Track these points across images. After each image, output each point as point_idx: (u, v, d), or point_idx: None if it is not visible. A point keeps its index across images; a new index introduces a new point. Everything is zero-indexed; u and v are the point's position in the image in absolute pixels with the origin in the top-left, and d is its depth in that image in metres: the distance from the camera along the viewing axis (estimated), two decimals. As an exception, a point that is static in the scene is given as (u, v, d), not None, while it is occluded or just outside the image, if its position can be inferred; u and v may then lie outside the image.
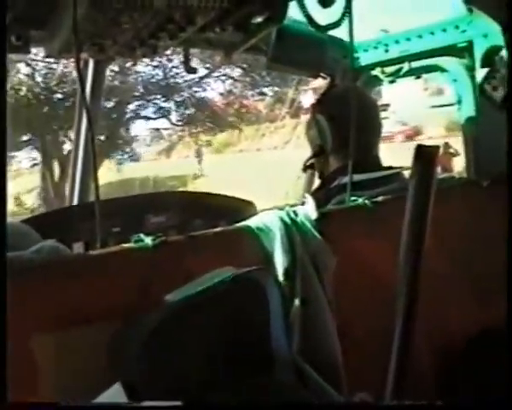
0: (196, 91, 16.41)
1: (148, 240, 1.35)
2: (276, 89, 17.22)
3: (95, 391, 1.12)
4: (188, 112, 16.45)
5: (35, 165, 15.46)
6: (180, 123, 17.14)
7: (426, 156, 1.17)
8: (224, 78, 16.67)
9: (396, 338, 1.18)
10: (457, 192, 1.94)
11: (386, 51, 2.41)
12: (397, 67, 2.41)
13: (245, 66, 15.87)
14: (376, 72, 2.47)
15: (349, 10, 1.59)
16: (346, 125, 1.72)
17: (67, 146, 15.24)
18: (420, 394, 1.36)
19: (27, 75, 13.83)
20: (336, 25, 1.66)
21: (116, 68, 14.37)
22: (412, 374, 1.19)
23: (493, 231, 1.76)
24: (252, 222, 1.52)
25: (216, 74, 16.38)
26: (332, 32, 2.47)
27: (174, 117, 16.81)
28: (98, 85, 2.46)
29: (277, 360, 1.26)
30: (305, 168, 2.26)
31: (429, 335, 1.57)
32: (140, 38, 1.97)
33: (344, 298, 1.52)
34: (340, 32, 2.50)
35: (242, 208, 2.49)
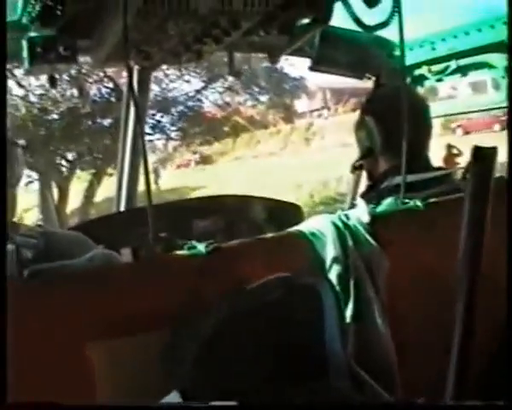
0: (193, 104, 16.41)
1: (202, 247, 1.35)
2: (270, 95, 17.15)
3: (150, 399, 1.13)
4: (184, 125, 16.47)
5: (30, 183, 15.42)
6: (177, 137, 17.18)
7: (485, 157, 1.14)
8: (221, 89, 16.65)
9: (456, 343, 1.16)
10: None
11: (433, 49, 2.37)
12: (444, 65, 2.37)
13: (243, 78, 15.85)
14: (423, 70, 2.43)
15: (398, 9, 1.57)
16: (396, 125, 1.69)
17: (65, 168, 15.28)
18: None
19: (21, 97, 13.87)
20: (385, 25, 1.64)
21: (111, 85, 14.45)
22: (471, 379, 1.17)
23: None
24: (304, 227, 1.51)
25: (213, 86, 16.36)
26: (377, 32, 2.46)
27: (171, 131, 16.84)
28: (143, 93, 2.47)
29: (332, 366, 1.25)
30: (354, 170, 2.23)
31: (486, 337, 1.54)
32: (185, 43, 1.97)
33: (397, 302, 1.49)
34: (385, 31, 2.49)
35: (288, 211, 2.48)
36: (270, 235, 1.49)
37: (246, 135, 19.78)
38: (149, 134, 16.20)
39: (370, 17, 1.68)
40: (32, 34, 1.86)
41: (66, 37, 1.87)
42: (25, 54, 1.86)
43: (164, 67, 14.65)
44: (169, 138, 17.29)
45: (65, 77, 13.75)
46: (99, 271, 1.33)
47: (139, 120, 1.85)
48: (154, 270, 1.34)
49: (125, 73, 2.47)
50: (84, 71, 12.66)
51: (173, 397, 1.11)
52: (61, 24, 1.83)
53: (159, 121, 16.14)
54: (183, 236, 2.34)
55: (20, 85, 13.63)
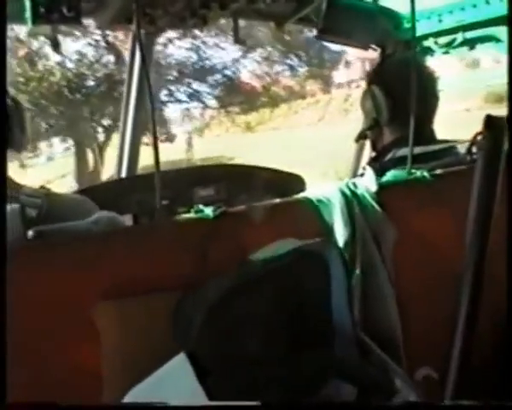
0: (230, 73, 16.30)
1: (209, 211, 1.34)
2: (309, 66, 17.00)
3: (158, 361, 1.12)
4: (221, 94, 16.35)
5: (67, 149, 15.40)
6: (214, 105, 17.07)
7: (496, 126, 1.13)
8: (259, 59, 16.50)
9: (461, 315, 1.16)
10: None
11: (440, 21, 2.35)
12: (451, 37, 2.35)
13: (282, 48, 15.69)
14: (429, 43, 2.41)
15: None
16: (403, 96, 1.68)
17: (100, 135, 15.17)
18: (483, 371, 1.34)
19: (58, 63, 13.76)
20: None
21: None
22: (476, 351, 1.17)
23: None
24: (311, 194, 1.50)
25: (251, 55, 16.23)
26: (383, 2, 2.44)
27: (208, 100, 16.72)
28: (148, 57, 2.44)
29: (339, 333, 1.25)
30: (358, 139, 2.21)
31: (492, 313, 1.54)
32: (191, 7, 1.95)
33: (404, 271, 1.49)
34: (392, 3, 2.46)
35: (290, 182, 2.47)
36: (277, 200, 1.48)
37: (284, 105, 19.62)
38: (185, 102, 16.17)
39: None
40: None
41: None
42: (27, 14, 1.83)
43: (201, 34, 14.64)
44: (206, 107, 17.18)
45: (102, 43, 13.68)
46: (104, 233, 1.32)
47: (147, 81, 1.83)
48: (161, 233, 1.33)
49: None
50: (120, 37, 12.49)
51: (180, 359, 1.10)
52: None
53: (196, 90, 16.04)
54: (184, 204, 2.34)
55: (60, 52, 13.52)
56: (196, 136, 18.30)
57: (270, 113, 19.71)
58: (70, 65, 13.98)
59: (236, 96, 16.40)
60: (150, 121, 1.46)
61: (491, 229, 1.15)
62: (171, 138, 16.63)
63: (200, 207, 1.37)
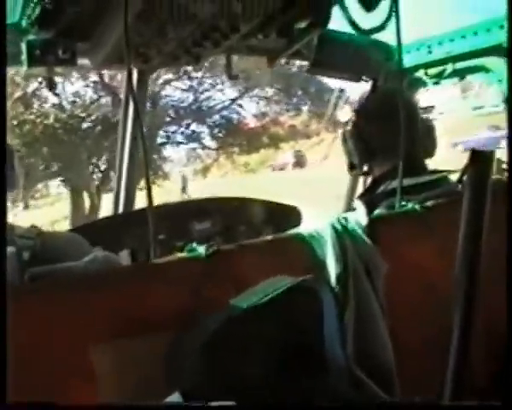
0: (229, 114, 16.26)
1: (202, 249, 1.36)
2: (312, 107, 17.00)
3: (153, 401, 1.14)
4: (221, 135, 16.32)
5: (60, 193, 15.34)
6: (213, 147, 17.01)
7: (482, 161, 1.15)
8: (256, 98, 16.51)
9: (454, 345, 1.17)
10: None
11: (430, 53, 2.39)
12: (440, 68, 2.38)
13: (279, 86, 15.74)
14: (420, 74, 2.44)
15: (396, 11, 1.58)
16: (391, 129, 1.70)
17: (96, 177, 15.11)
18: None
19: (54, 104, 13.74)
20: (381, 28, 1.66)
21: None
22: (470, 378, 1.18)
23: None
24: (303, 229, 1.52)
25: (249, 95, 16.25)
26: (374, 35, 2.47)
27: (207, 141, 16.70)
28: (142, 95, 2.48)
29: (332, 366, 1.26)
30: (351, 170, 2.25)
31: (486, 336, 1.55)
32: (184, 46, 1.99)
33: (396, 303, 1.51)
34: (382, 35, 2.50)
35: (287, 214, 2.49)
36: (269, 237, 1.50)
37: (286, 145, 19.56)
38: (183, 143, 16.12)
39: (368, 20, 1.69)
40: (31, 37, 1.86)
41: (66, 39, 1.88)
42: (23, 56, 1.87)
43: (198, 75, 14.64)
44: (204, 147, 17.13)
45: (99, 85, 13.72)
46: (100, 273, 1.33)
47: (141, 126, 1.86)
48: (154, 272, 1.35)
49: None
50: (118, 77, 12.54)
51: (175, 398, 1.11)
52: (60, 27, 1.84)
53: (193, 131, 16.01)
54: (181, 238, 2.35)
55: (55, 94, 13.59)
56: (197, 177, 18.27)
57: (274, 153, 19.67)
58: (67, 106, 14.00)
59: (236, 137, 16.38)
60: (143, 160, 1.48)
61: (479, 261, 1.16)
62: (167, 178, 16.62)
63: (194, 245, 1.38)
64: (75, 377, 1.21)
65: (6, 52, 1.46)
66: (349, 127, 2.18)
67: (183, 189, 17.21)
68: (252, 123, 17.08)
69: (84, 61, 2.09)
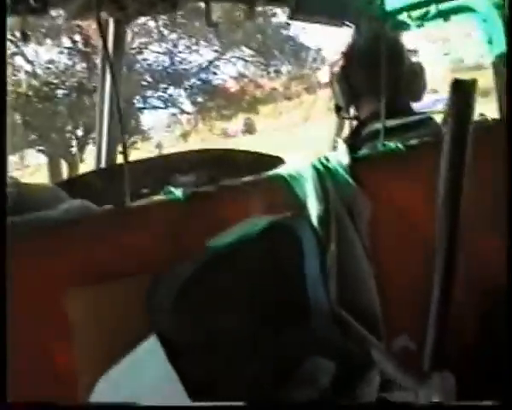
0: (207, 77, 16.00)
1: (179, 192, 1.33)
2: (290, 68, 16.80)
3: (130, 343, 1.12)
4: (199, 99, 16.07)
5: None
6: (192, 111, 16.76)
7: (464, 89, 1.12)
8: (234, 60, 16.26)
9: (436, 286, 1.15)
10: (490, 132, 1.88)
11: None
12: (424, 10, 2.33)
13: (255, 46, 15.51)
14: (403, 16, 2.39)
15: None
16: (376, 71, 1.67)
17: (74, 145, 14.89)
18: (460, 339, 1.34)
19: (28, 72, 13.49)
20: None
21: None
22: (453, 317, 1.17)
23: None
24: (283, 170, 1.49)
25: (226, 57, 15.99)
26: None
27: (185, 105, 16.42)
28: (119, 47, 2.42)
29: (314, 308, 1.24)
30: (337, 111, 2.24)
31: (470, 280, 1.54)
32: (159, -8, 1.93)
33: (380, 244, 1.49)
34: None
35: (271, 164, 2.46)
36: (247, 178, 1.47)
37: (266, 107, 19.33)
38: (161, 108, 15.88)
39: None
40: None
41: None
42: None
43: (173, 36, 14.41)
44: (183, 112, 16.89)
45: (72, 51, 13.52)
46: (75, 219, 1.30)
47: (115, 82, 1.82)
48: (130, 216, 1.32)
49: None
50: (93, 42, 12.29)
51: (151, 341, 1.10)
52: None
53: (170, 95, 15.76)
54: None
55: (28, 61, 13.38)
56: (177, 142, 18.05)
57: (255, 116, 19.40)
58: (41, 74, 13.78)
59: (215, 101, 16.14)
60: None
61: (461, 197, 1.14)
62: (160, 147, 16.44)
63: (171, 188, 1.35)
64: (50, 327, 1.19)
65: (6, 52, 1.41)
66: (336, 69, 2.17)
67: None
68: (230, 85, 16.87)
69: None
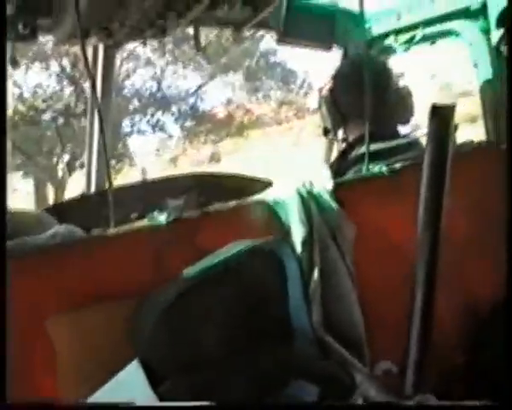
0: (194, 102, 16.02)
1: (162, 218, 1.34)
2: (279, 92, 16.87)
3: (113, 370, 1.12)
4: (187, 124, 16.09)
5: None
6: (180, 136, 16.78)
7: (442, 115, 1.13)
8: (221, 85, 16.31)
9: (416, 307, 1.16)
10: (476, 155, 1.90)
11: (399, 19, 2.36)
12: (410, 34, 2.36)
13: (243, 72, 15.58)
14: (390, 41, 2.42)
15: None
16: (362, 95, 1.69)
17: (60, 169, 14.82)
18: (443, 361, 1.34)
19: (15, 96, 13.46)
20: None
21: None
22: (435, 339, 1.17)
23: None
24: (267, 195, 1.50)
25: (213, 82, 16.01)
26: (343, 4, 2.46)
27: (173, 130, 16.47)
28: (109, 72, 2.44)
29: (297, 331, 1.25)
30: (325, 134, 2.27)
31: (452, 300, 1.55)
32: (148, 18, 1.95)
33: (364, 267, 1.49)
34: (352, 3, 2.48)
35: (262, 189, 2.47)
36: (231, 204, 1.48)
37: (255, 132, 19.33)
38: (149, 132, 15.88)
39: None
40: None
41: (26, 14, 1.84)
42: None
43: (161, 63, 14.45)
44: (170, 136, 16.89)
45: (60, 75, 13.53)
46: (60, 245, 1.31)
47: (99, 112, 1.85)
48: (113, 241, 1.33)
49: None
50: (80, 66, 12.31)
51: (133, 366, 1.10)
52: (21, 1, 1.80)
53: (158, 120, 15.77)
54: (154, 215, 2.31)
55: (16, 84, 13.37)
56: (167, 167, 17.99)
57: (244, 140, 19.38)
58: (28, 97, 13.74)
59: (203, 126, 16.13)
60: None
61: (441, 220, 1.15)
62: (144, 173, 16.37)
63: (154, 214, 1.36)
64: (35, 354, 1.19)
65: (6, 52, 1.43)
66: (325, 92, 2.19)
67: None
68: (218, 111, 16.88)
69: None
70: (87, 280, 1.25)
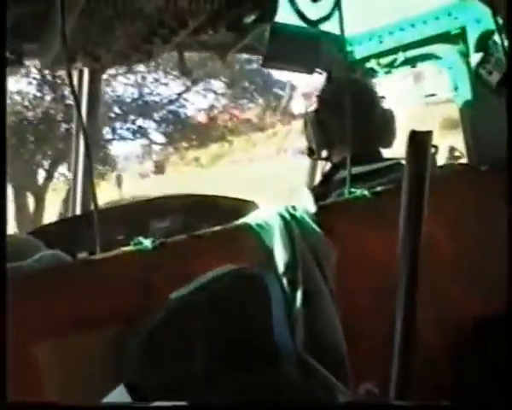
0: (176, 109, 15.96)
1: (148, 242, 1.36)
2: (262, 100, 16.85)
3: (99, 395, 1.13)
4: (169, 130, 16.03)
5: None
6: (162, 142, 16.70)
7: (419, 141, 1.16)
8: (204, 92, 16.26)
9: (398, 328, 1.17)
10: (457, 178, 1.93)
11: (381, 42, 2.40)
12: (392, 57, 2.40)
13: (225, 80, 15.57)
14: (372, 64, 2.46)
15: (338, 3, 1.59)
16: (344, 118, 1.72)
17: (40, 176, 14.73)
18: (426, 382, 1.35)
19: None
20: (327, 18, 1.67)
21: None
22: (418, 361, 1.19)
23: (492, 217, 1.75)
24: (251, 219, 1.52)
25: (195, 89, 15.96)
26: (326, 28, 2.49)
27: (155, 136, 16.40)
28: (95, 95, 2.47)
29: (281, 355, 1.26)
30: (309, 155, 2.31)
31: (436, 321, 1.57)
32: (133, 44, 1.97)
33: (346, 289, 1.52)
34: (335, 27, 2.51)
35: (246, 209, 2.49)
36: (215, 228, 1.50)
37: (240, 138, 19.29)
38: (130, 139, 15.81)
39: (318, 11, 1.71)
40: None
41: (13, 40, 1.85)
42: None
43: (143, 68, 14.40)
44: (152, 143, 16.79)
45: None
46: (44, 270, 1.32)
47: (85, 133, 1.88)
48: (99, 266, 1.34)
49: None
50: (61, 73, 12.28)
51: (119, 391, 1.11)
52: (7, 27, 1.81)
53: (140, 127, 15.68)
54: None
55: None
56: (150, 174, 17.87)
57: (229, 146, 19.34)
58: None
59: (185, 132, 16.07)
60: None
61: (419, 243, 1.17)
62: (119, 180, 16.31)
63: (140, 239, 1.38)
64: (18, 377, 1.20)
65: (6, 52, 1.44)
66: (310, 113, 2.22)
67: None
68: (200, 117, 16.85)
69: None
70: (71, 306, 1.26)
